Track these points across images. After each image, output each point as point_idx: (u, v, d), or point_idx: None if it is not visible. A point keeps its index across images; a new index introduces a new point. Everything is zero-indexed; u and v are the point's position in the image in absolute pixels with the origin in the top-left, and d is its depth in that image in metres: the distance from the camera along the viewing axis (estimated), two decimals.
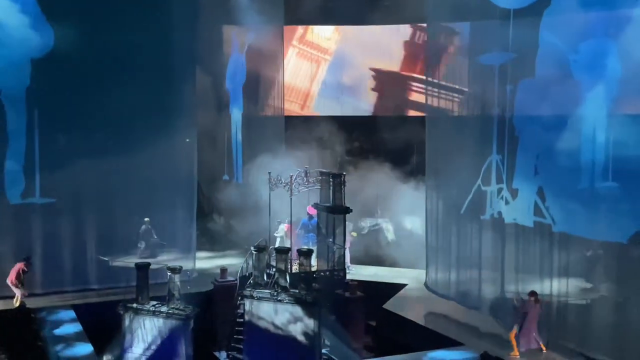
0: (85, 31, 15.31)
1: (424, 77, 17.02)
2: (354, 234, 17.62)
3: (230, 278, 14.46)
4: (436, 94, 16.05)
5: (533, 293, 12.07)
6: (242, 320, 13.06)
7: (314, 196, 15.07)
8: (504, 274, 13.78)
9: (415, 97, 19.81)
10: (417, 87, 19.85)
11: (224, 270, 14.71)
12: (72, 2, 15.32)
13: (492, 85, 14.15)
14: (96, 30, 15.39)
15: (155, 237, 16.58)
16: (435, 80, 16.03)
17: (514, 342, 11.99)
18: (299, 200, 14.75)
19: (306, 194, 14.82)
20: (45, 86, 15.29)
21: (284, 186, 14.25)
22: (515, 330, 12.01)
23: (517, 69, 13.43)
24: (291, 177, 14.19)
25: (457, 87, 15.52)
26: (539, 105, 12.96)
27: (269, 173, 14.51)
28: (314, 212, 16.30)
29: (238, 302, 13.34)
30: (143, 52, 15.80)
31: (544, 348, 12.03)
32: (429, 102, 16.53)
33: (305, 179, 14.41)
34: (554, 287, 12.71)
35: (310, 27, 20.64)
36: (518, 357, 11.87)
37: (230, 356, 13.29)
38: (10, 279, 13.97)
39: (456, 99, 15.56)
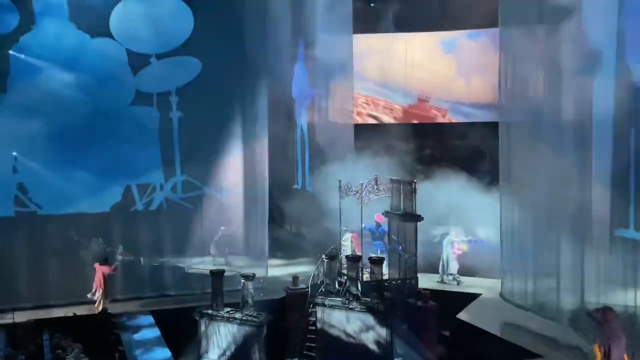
0: None
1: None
2: (464, 247, 17.40)
3: (302, 286, 14.56)
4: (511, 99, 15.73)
5: (607, 309, 11.34)
6: (314, 328, 13.12)
7: (383, 204, 14.98)
8: (584, 284, 13.28)
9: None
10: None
11: (296, 278, 14.82)
12: None
13: (569, 88, 13.70)
14: None
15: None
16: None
17: None
18: (368, 208, 14.71)
19: (376, 201, 14.76)
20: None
21: (355, 194, 14.26)
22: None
23: (592, 72, 12.97)
24: (361, 185, 14.18)
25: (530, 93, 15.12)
26: (617, 110, 12.45)
27: (339, 181, 14.55)
28: (382, 219, 16.20)
29: (310, 310, 13.42)
30: (219, 66, 16.26)
31: None
32: (503, 107, 16.18)
33: (375, 187, 14.37)
34: (638, 298, 12.13)
35: None
36: None
37: None
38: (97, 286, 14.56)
39: (529, 105, 15.15)
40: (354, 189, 14.30)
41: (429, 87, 19.61)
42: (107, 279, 14.47)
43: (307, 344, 13.35)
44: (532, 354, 12.29)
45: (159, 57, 16.23)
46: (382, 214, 15.23)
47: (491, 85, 17.42)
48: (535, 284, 14.64)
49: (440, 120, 19.62)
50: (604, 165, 12.81)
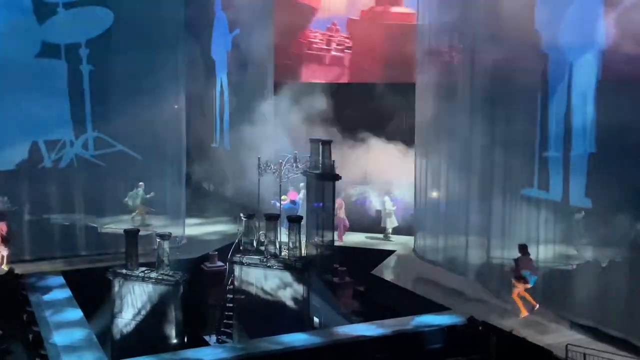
0: None
1: None
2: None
3: (219, 263, 14.47)
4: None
5: (523, 247, 12.30)
6: (232, 305, 13.15)
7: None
8: (491, 240, 13.92)
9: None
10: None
11: (213, 255, 14.71)
12: None
13: (480, 52, 14.05)
14: None
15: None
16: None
17: (519, 303, 12.14)
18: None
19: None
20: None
21: (274, 172, 14.21)
22: (518, 288, 12.16)
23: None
24: (280, 163, 14.18)
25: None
26: (527, 74, 12.90)
27: (259, 158, 14.40)
28: (295, 197, 16.30)
29: (228, 287, 13.41)
30: (132, 18, 15.56)
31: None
32: (419, 69, 16.44)
33: (294, 164, 14.38)
34: (540, 253, 12.85)
35: None
36: (527, 315, 12.04)
37: (220, 340, 13.41)
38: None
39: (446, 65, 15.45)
40: (273, 167, 14.22)
41: None
42: (5, 237, 14.05)
43: (224, 320, 13.37)
44: (441, 306, 12.84)
45: (67, 6, 15.38)
46: (301, 173, 15.25)
47: None
48: (446, 241, 15.23)
49: None
50: (510, 127, 13.29)
